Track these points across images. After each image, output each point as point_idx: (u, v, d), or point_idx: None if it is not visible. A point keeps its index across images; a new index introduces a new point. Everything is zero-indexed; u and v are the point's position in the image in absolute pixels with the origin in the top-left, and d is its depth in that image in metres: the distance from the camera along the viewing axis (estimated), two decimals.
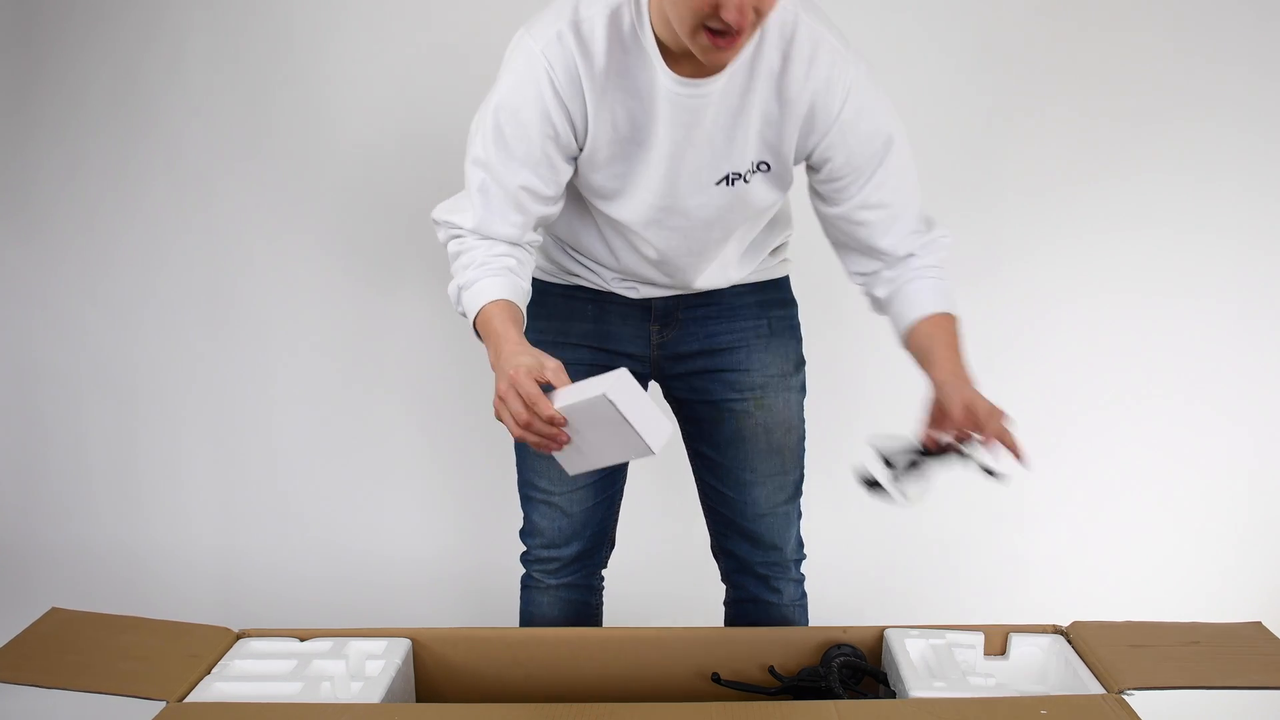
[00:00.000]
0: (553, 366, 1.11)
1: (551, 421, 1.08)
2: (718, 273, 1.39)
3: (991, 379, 2.07)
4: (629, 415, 1.05)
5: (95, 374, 2.16)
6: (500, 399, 1.11)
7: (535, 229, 1.29)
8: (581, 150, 1.25)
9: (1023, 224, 2.04)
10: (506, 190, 1.23)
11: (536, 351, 1.13)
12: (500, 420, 1.12)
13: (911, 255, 1.30)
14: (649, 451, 1.07)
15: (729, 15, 1.05)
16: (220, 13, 1.99)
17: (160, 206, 2.07)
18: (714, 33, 1.08)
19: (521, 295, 1.24)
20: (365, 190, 2.06)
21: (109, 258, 2.10)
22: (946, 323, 1.27)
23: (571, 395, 1.08)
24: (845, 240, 1.33)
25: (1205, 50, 1.95)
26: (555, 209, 1.29)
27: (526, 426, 1.09)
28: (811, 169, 1.29)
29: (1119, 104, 1.97)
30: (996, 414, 1.14)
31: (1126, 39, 1.95)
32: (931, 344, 1.25)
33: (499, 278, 1.22)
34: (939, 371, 1.21)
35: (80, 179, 2.07)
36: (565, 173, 1.26)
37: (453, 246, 1.28)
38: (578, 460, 1.15)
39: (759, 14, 1.07)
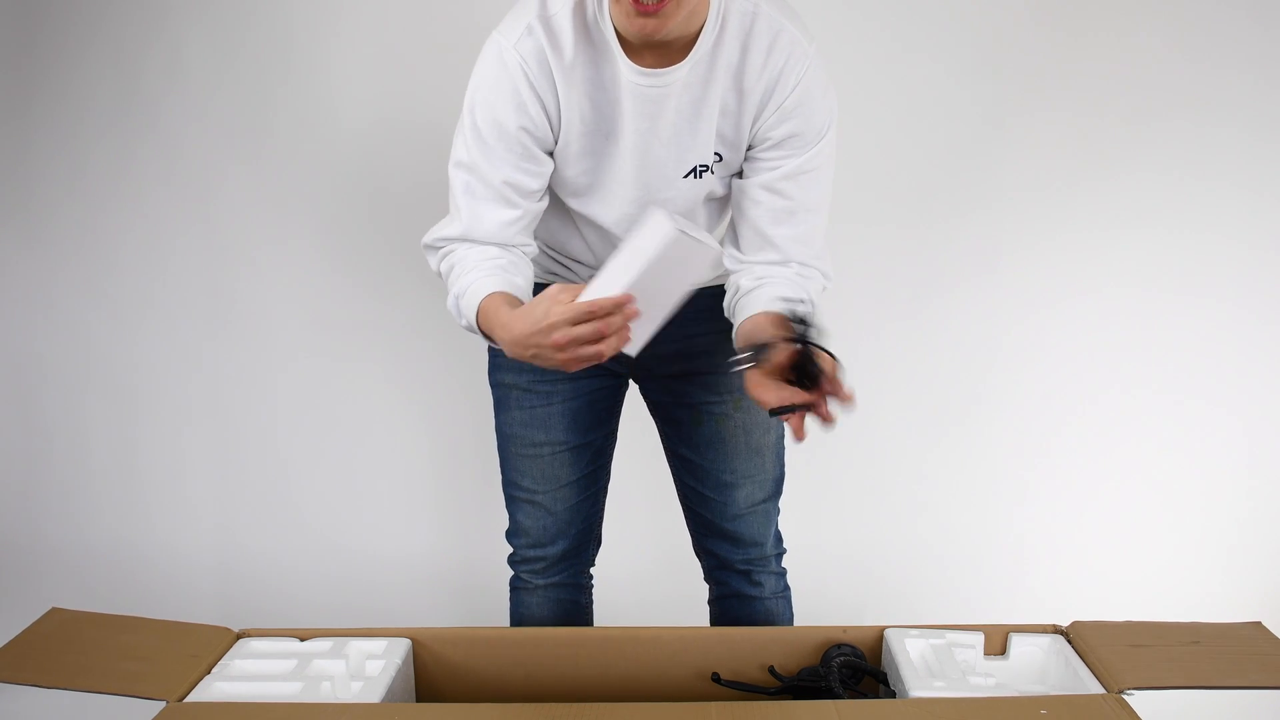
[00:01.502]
0: (554, 292, 1.06)
1: (626, 315, 1.03)
2: None
3: (991, 377, 2.10)
4: (694, 234, 1.03)
5: (96, 374, 2.16)
6: (564, 362, 1.06)
7: (526, 231, 1.29)
8: (556, 143, 1.25)
9: (1022, 223, 2.04)
10: (491, 187, 1.24)
11: (532, 303, 1.09)
12: (575, 368, 1.08)
13: (791, 263, 1.28)
14: (719, 255, 1.06)
15: None
16: (220, 15, 1.99)
17: (161, 207, 2.07)
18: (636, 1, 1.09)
19: (518, 292, 1.23)
20: (364, 190, 2.06)
21: (110, 258, 2.11)
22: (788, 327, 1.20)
23: (619, 276, 1.02)
24: (737, 218, 1.31)
25: (1204, 52, 1.95)
26: (541, 205, 1.29)
27: (602, 342, 1.05)
28: (747, 148, 1.28)
29: (1118, 104, 1.97)
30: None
31: (1126, 40, 1.95)
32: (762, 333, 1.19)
33: (491, 276, 1.21)
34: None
35: (81, 180, 2.07)
36: (546, 165, 1.27)
37: (444, 265, 1.28)
38: (642, 329, 1.09)
39: None
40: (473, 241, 1.26)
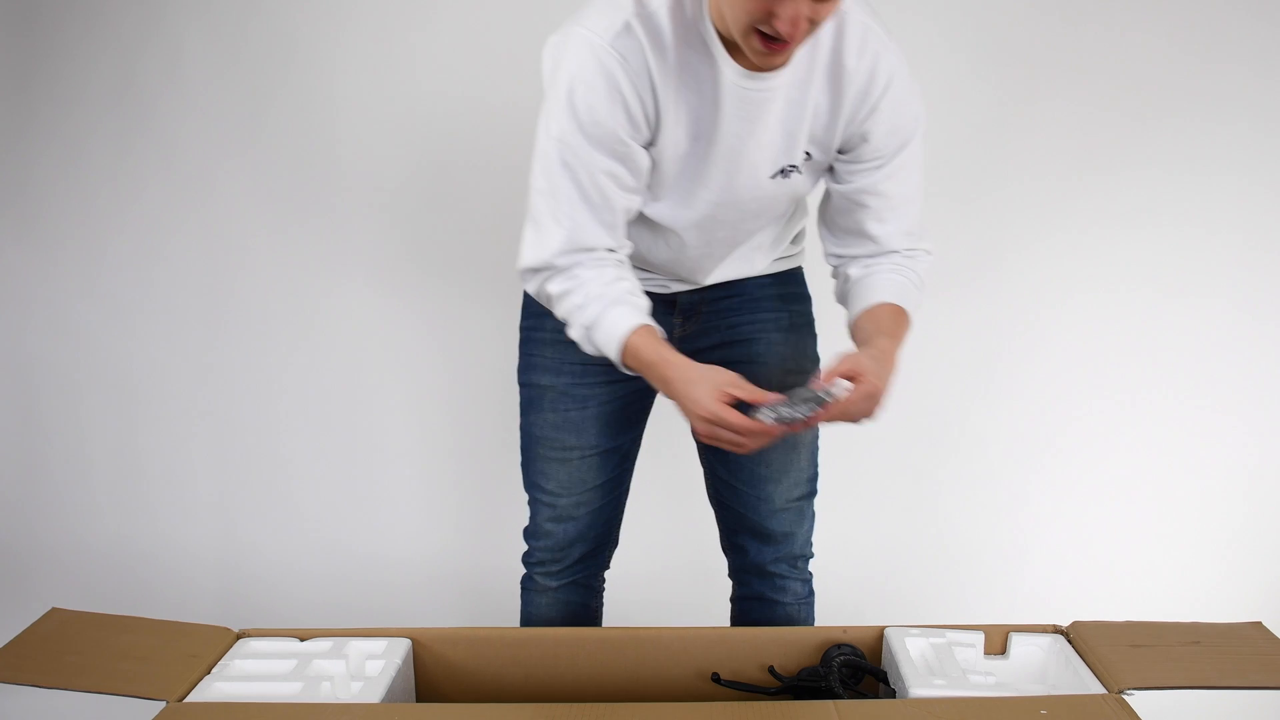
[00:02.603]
0: (730, 381, 1.16)
1: (768, 434, 1.15)
2: (741, 264, 1.40)
3: (991, 377, 2.10)
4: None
5: (94, 372, 2.16)
6: (708, 437, 1.17)
7: (625, 229, 1.27)
8: (653, 143, 1.22)
9: (1023, 221, 2.04)
10: (588, 187, 1.19)
11: (705, 370, 1.18)
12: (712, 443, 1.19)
13: (895, 252, 1.33)
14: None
15: (782, 26, 1.05)
16: (218, 10, 1.99)
17: (158, 204, 2.07)
18: (766, 37, 1.08)
19: (648, 312, 1.24)
20: (364, 188, 2.06)
21: (107, 255, 2.10)
22: (899, 314, 1.30)
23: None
24: (839, 219, 1.33)
25: (1208, 49, 1.95)
26: (638, 201, 1.26)
27: (741, 445, 1.16)
28: (839, 150, 1.29)
29: (1121, 102, 1.97)
30: (869, 407, 1.19)
31: (1129, 37, 1.95)
32: (876, 328, 1.27)
33: (622, 305, 1.21)
34: (871, 349, 1.23)
35: (78, 176, 2.07)
36: (645, 160, 1.23)
37: (551, 288, 1.24)
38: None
39: (813, 24, 1.08)
40: (581, 251, 1.21)
